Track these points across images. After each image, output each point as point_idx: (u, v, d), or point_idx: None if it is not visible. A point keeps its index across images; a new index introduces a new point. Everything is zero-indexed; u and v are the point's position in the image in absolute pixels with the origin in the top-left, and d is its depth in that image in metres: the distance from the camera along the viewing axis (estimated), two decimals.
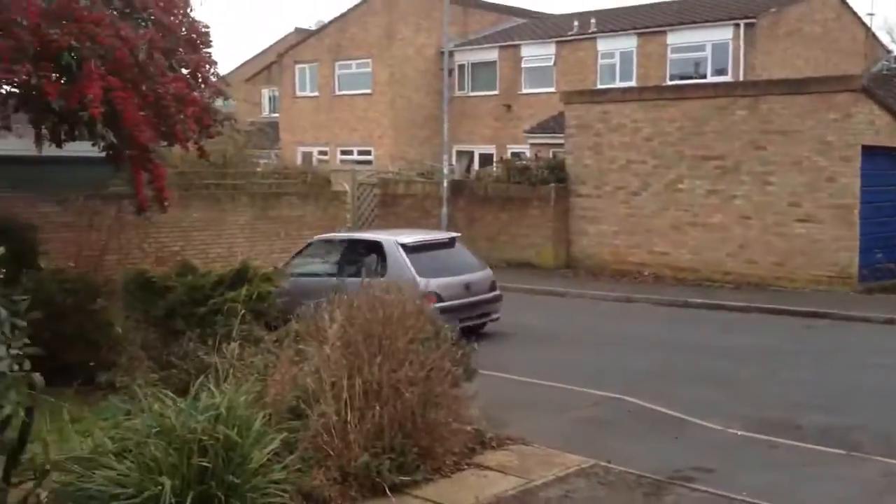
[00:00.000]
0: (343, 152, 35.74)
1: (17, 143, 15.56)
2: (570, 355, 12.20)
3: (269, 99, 44.10)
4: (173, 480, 5.29)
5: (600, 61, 30.87)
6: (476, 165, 31.88)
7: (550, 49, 32.17)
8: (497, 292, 13.46)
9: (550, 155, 24.45)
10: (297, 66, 37.70)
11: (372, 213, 24.56)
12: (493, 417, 8.31)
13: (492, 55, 33.82)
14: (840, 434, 8.51)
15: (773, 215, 18.31)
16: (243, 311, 8.92)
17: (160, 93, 8.94)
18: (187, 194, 19.62)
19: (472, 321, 12.58)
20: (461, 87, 34.55)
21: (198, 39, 11.82)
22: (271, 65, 41.82)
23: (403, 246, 12.68)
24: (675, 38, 29.06)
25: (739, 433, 8.44)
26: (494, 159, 29.27)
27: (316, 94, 36.82)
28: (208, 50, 13.02)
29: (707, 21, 28.40)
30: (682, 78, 27.48)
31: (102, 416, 7.08)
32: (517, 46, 33.07)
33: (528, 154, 27.90)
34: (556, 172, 21.26)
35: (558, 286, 18.34)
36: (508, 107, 32.83)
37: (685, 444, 8.09)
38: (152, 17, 10.06)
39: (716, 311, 15.81)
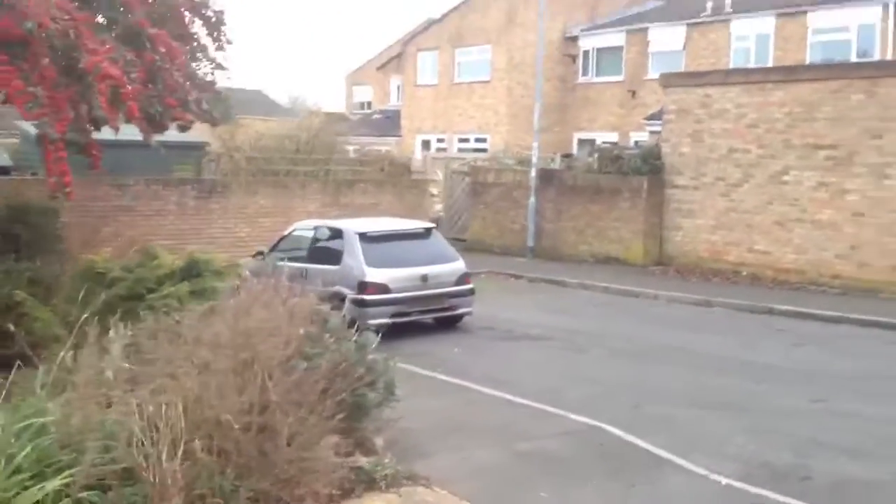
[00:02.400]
0: (460, 140, 34.75)
1: None
2: (580, 368, 10.59)
3: (396, 88, 43.69)
4: None
5: (734, 45, 28.50)
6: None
7: (680, 32, 30.06)
8: (467, 286, 12.80)
9: None
10: (419, 54, 37.02)
11: (463, 203, 23.38)
12: (417, 446, 7.05)
13: (618, 40, 31.98)
14: (858, 491, 6.68)
15: (891, 213, 15.76)
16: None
17: (81, 67, 8.11)
18: (254, 180, 19.16)
19: (431, 314, 12.45)
20: (585, 73, 32.92)
21: (194, 13, 11.07)
22: (399, 54, 41.35)
23: (361, 235, 12.48)
24: (816, 19, 26.35)
25: (724, 482, 6.72)
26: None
27: (435, 82, 36.00)
28: (224, 27, 12.26)
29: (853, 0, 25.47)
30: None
31: None
32: (645, 30, 31.07)
33: (648, 141, 25.99)
34: (650, 162, 19.31)
35: (635, 285, 16.51)
36: (633, 93, 30.92)
37: (637, 497, 6.49)
38: None
39: (800, 321, 13.62)
